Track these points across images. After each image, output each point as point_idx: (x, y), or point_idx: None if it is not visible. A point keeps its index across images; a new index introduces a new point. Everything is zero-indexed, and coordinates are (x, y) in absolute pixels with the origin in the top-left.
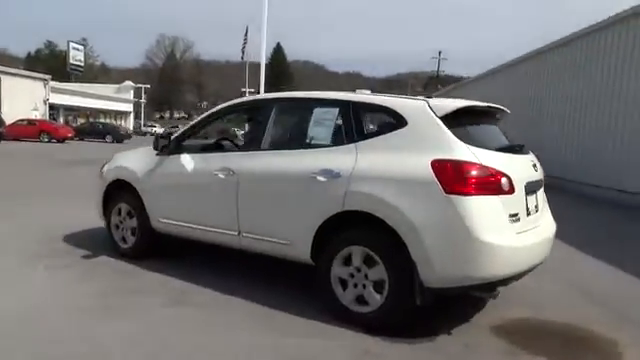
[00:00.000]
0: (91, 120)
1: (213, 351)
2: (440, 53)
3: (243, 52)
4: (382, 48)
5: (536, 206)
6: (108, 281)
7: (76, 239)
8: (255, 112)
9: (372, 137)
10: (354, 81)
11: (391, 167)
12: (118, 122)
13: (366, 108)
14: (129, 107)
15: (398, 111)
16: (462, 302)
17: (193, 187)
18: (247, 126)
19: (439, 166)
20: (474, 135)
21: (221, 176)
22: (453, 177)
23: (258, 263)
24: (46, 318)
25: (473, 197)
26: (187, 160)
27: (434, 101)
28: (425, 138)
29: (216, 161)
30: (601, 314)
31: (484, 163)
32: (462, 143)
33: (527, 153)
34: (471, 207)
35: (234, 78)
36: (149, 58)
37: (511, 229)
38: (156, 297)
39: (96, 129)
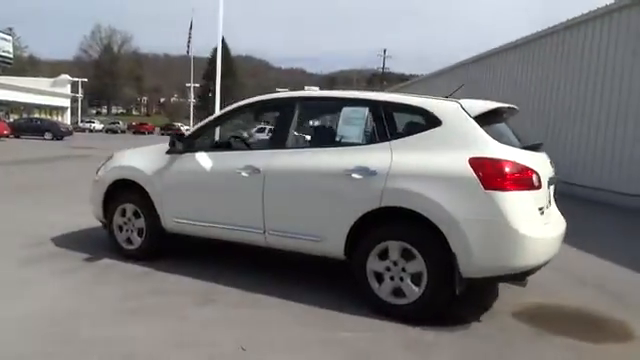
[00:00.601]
0: (27, 116)
1: (280, 346)
2: (385, 51)
3: (188, 46)
4: (325, 45)
5: (549, 201)
6: (125, 283)
7: (64, 241)
8: (278, 110)
9: (406, 136)
10: (297, 77)
11: (429, 165)
12: (54, 118)
13: (398, 108)
14: (66, 102)
15: (432, 111)
16: (477, 292)
17: (213, 186)
18: (257, 125)
19: (478, 163)
20: (499, 134)
21: (245, 174)
22: (492, 174)
23: (267, 260)
24: (81, 322)
25: (510, 192)
26: (204, 159)
27: (466, 102)
28: (460, 137)
29: (238, 159)
30: (605, 300)
31: (517, 160)
32: (496, 142)
33: (542, 151)
34: (509, 202)
35: (174, 72)
36: (84, 50)
37: (540, 222)
38: (183, 297)
39: (34, 126)
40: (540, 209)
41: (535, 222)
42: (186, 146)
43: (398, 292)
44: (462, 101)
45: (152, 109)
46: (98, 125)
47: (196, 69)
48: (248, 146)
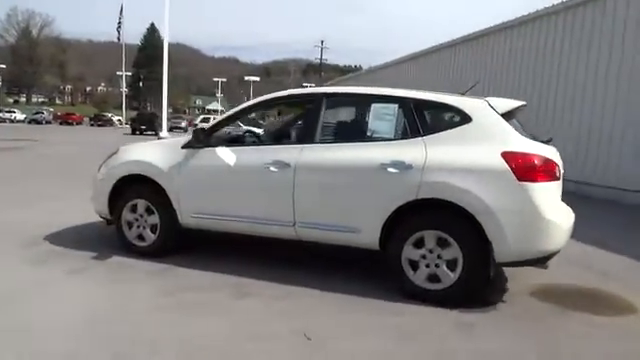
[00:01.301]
0: None
1: (339, 333)
2: (322, 42)
3: (119, 32)
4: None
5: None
6: (150, 281)
7: (59, 239)
8: (305, 105)
9: (438, 132)
10: (231, 66)
11: (464, 159)
12: None
13: (428, 105)
14: None
15: (463, 109)
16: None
17: (238, 180)
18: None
19: (510, 157)
20: (519, 129)
21: (274, 169)
22: (523, 166)
23: (281, 252)
24: (131, 321)
25: (539, 183)
26: (227, 153)
27: (492, 100)
28: (490, 133)
29: (265, 154)
30: (592, 276)
31: (543, 154)
32: (522, 137)
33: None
34: (538, 192)
35: (100, 60)
36: None
37: (562, 209)
38: (218, 292)
39: None
40: (559, 198)
41: (559, 210)
42: (205, 141)
43: (433, 278)
44: (488, 99)
45: (77, 98)
46: (20, 115)
47: (122, 57)
48: (272, 140)
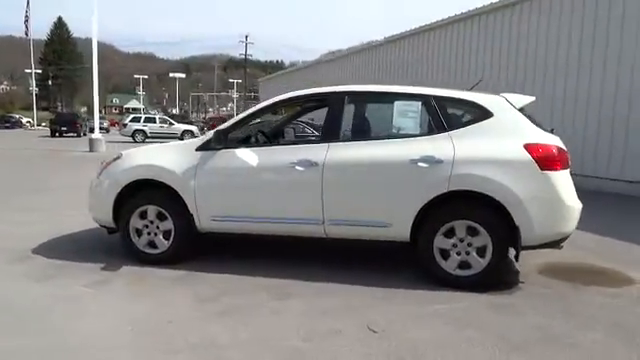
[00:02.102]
0: None
1: (396, 324)
2: (247, 37)
3: (27, 27)
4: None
5: None
6: (181, 288)
7: (54, 251)
8: (328, 104)
9: (463, 127)
10: (147, 63)
11: (490, 152)
12: None
13: (450, 101)
14: None
15: (484, 105)
16: None
17: (262, 181)
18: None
19: (533, 148)
20: (533, 122)
21: (300, 168)
22: (545, 156)
23: (291, 248)
24: (184, 330)
25: (559, 172)
26: (248, 154)
27: (509, 96)
28: (510, 126)
29: (289, 154)
30: (594, 258)
31: (557, 144)
32: (539, 129)
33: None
34: (558, 179)
35: None
36: None
37: (575, 195)
38: (257, 294)
39: None
40: None
41: (574, 195)
42: (223, 143)
43: (464, 265)
44: (506, 95)
45: None
46: None
47: (27, 53)
48: (292, 140)
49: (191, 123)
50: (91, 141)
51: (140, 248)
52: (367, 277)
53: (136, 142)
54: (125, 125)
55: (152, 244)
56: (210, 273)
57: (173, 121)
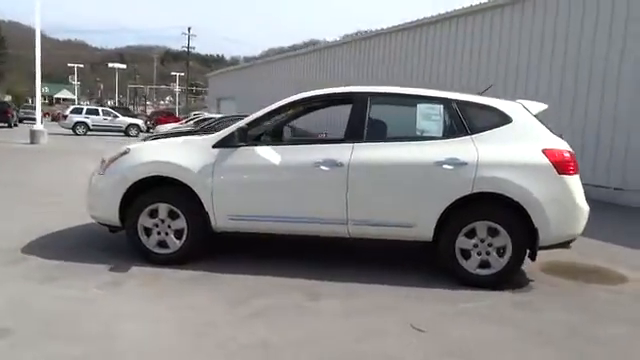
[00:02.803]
0: None
1: (433, 321)
2: (190, 29)
3: None
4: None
5: None
6: (205, 290)
7: (45, 250)
8: (351, 104)
9: (484, 131)
10: (78, 51)
11: (511, 155)
12: None
13: (471, 105)
14: None
15: (504, 110)
16: None
17: (284, 180)
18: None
19: (550, 153)
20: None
21: (325, 168)
22: (562, 161)
23: (297, 247)
24: (233, 332)
25: (573, 176)
26: (270, 153)
27: (525, 103)
28: (528, 132)
29: (313, 153)
30: (585, 258)
31: (569, 149)
32: (553, 135)
33: None
34: (574, 183)
35: None
36: None
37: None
38: (288, 295)
39: None
40: None
41: (584, 198)
42: (243, 140)
43: (484, 264)
44: (522, 102)
45: None
46: None
47: None
48: (314, 138)
49: (135, 116)
50: (32, 133)
51: (149, 248)
52: (387, 276)
53: (77, 135)
54: (65, 117)
55: (162, 244)
56: (226, 274)
57: (117, 114)
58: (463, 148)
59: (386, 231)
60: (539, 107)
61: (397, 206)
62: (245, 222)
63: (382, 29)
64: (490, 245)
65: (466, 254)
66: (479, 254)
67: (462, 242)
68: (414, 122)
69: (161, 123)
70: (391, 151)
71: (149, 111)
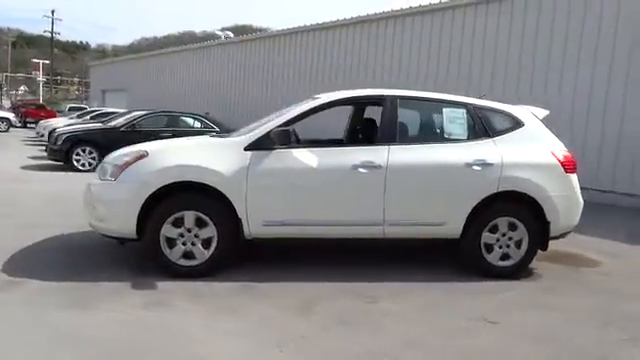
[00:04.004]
0: None
1: (488, 312)
2: (53, 12)
3: None
4: None
5: None
6: (260, 302)
7: (35, 269)
8: (382, 106)
9: (503, 134)
10: None
11: (527, 156)
12: None
13: (488, 110)
14: None
15: (516, 115)
16: None
17: (322, 183)
18: None
19: (557, 155)
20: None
21: (364, 171)
22: (567, 161)
23: (312, 252)
24: (322, 345)
25: (574, 174)
26: (307, 155)
27: (531, 108)
28: (538, 135)
29: (351, 156)
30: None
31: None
32: (555, 137)
33: None
34: (575, 180)
35: None
36: None
37: None
38: (346, 301)
39: None
40: None
41: (580, 194)
42: (278, 142)
43: (505, 257)
44: (528, 108)
45: None
46: None
47: None
48: (347, 140)
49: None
50: None
51: (173, 260)
52: (417, 274)
53: None
54: None
55: (188, 255)
56: (264, 282)
57: None
58: (487, 150)
59: (419, 230)
60: (543, 113)
61: (430, 205)
62: (281, 228)
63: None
64: (510, 239)
65: (489, 248)
66: (500, 247)
67: (486, 237)
68: (440, 124)
69: (30, 117)
70: (424, 152)
71: (5, 102)
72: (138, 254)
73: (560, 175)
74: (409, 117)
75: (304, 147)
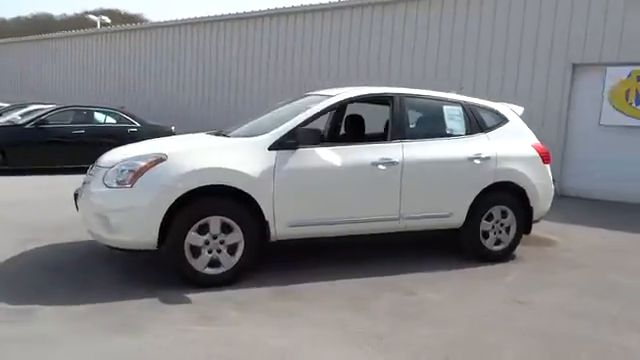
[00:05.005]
0: None
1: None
2: None
3: None
4: None
5: None
6: (311, 306)
7: (39, 292)
8: (390, 104)
9: (492, 129)
10: None
11: (514, 149)
12: None
13: (479, 107)
14: None
15: (502, 112)
16: None
17: (345, 181)
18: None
19: (537, 147)
20: None
21: (382, 167)
22: (544, 153)
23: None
24: (405, 345)
25: (548, 165)
26: (328, 154)
27: (510, 106)
28: (519, 130)
29: (369, 153)
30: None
31: None
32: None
33: None
34: (549, 170)
35: None
36: None
37: None
38: (390, 294)
39: None
40: None
41: None
42: (301, 141)
43: (497, 242)
44: (508, 105)
45: None
46: None
47: None
48: (368, 138)
49: None
50: None
51: (199, 270)
52: (430, 264)
53: None
54: None
55: (213, 263)
56: (299, 284)
57: None
58: (483, 144)
59: (429, 222)
60: (520, 109)
61: (440, 198)
62: (305, 228)
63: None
64: (502, 225)
65: (486, 235)
66: (494, 234)
67: (484, 225)
68: (442, 121)
69: None
70: (432, 148)
71: None
72: (131, 264)
73: (539, 166)
74: (414, 114)
75: (325, 145)
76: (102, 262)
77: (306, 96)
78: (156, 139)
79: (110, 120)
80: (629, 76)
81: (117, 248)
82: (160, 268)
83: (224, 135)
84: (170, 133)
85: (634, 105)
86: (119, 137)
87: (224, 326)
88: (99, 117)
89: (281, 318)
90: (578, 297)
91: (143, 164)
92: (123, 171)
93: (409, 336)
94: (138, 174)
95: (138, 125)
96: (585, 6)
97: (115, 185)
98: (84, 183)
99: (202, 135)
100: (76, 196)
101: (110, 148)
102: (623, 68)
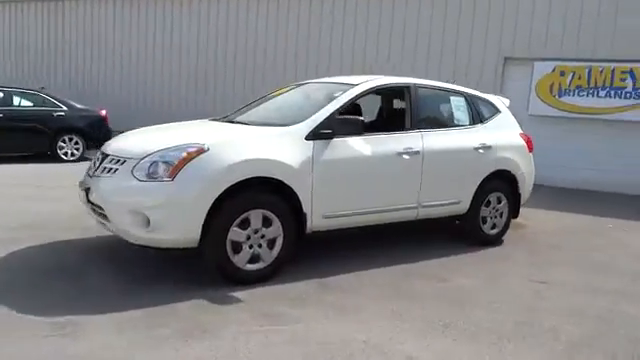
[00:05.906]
0: None
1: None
2: None
3: None
4: None
5: None
6: (361, 299)
7: (67, 300)
8: (407, 95)
9: (489, 120)
10: None
11: (508, 139)
12: None
13: (477, 99)
14: None
15: (494, 103)
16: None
17: (375, 171)
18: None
19: (523, 137)
20: None
21: (406, 157)
22: (529, 142)
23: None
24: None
25: (531, 153)
26: (360, 143)
27: (501, 98)
28: (508, 120)
29: (394, 142)
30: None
31: None
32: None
33: None
34: (532, 158)
35: None
36: None
37: None
38: (426, 282)
39: None
40: None
41: None
42: (335, 130)
43: (493, 226)
44: (498, 97)
45: None
46: None
47: None
48: (392, 127)
49: None
50: None
51: (240, 266)
52: (444, 248)
53: None
54: None
55: (254, 258)
56: (331, 277)
57: None
58: (485, 134)
59: (442, 210)
60: (507, 101)
61: (452, 186)
62: (337, 219)
63: None
64: (497, 211)
65: (484, 220)
66: (491, 219)
67: (484, 211)
68: (450, 111)
69: None
70: (445, 138)
71: None
72: (142, 260)
73: (526, 154)
74: (426, 104)
75: (358, 135)
76: (106, 261)
77: (307, 83)
78: (171, 124)
79: (30, 103)
80: (553, 71)
81: (151, 247)
82: (177, 265)
83: (240, 123)
84: (102, 118)
85: (557, 97)
86: (43, 122)
87: (294, 324)
88: (18, 100)
89: (347, 313)
90: (582, 275)
91: (184, 155)
92: (160, 163)
93: (473, 321)
94: (179, 166)
95: (65, 109)
96: (514, 3)
97: (151, 179)
98: (92, 176)
99: (218, 123)
100: (88, 190)
101: (35, 135)
102: (548, 63)
